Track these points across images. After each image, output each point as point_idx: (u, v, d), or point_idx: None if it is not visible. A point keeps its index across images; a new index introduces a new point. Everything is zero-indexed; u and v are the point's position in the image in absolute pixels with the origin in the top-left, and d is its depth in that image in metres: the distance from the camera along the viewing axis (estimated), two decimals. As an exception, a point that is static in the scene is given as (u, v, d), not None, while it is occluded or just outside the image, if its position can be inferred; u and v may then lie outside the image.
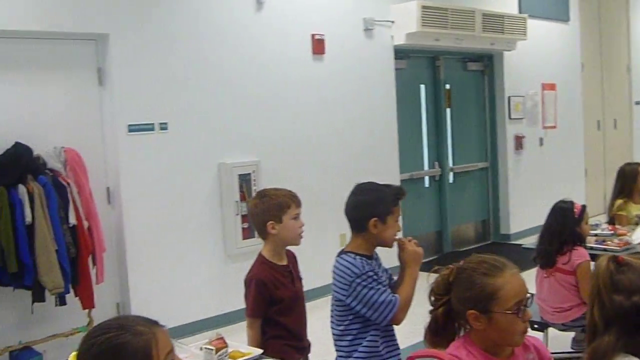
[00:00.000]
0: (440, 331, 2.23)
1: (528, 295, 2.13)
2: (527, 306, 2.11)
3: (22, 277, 4.60)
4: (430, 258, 7.88)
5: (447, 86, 8.32)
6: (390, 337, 3.01)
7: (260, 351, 2.80)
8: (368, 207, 2.91)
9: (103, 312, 5.24)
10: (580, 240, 4.21)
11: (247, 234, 5.87)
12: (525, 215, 8.79)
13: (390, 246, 3.01)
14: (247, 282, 3.13)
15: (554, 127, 9.51)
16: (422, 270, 2.98)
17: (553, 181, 9.17)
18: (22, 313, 4.99)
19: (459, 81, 8.55)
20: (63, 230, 4.72)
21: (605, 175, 10.13)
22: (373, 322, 2.89)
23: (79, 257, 4.84)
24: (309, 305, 3.34)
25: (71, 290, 4.85)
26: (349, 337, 2.94)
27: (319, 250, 6.36)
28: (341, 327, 2.96)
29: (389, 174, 7.17)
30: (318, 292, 6.26)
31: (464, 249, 8.54)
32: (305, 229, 3.28)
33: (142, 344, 1.63)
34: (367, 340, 2.92)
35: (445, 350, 2.16)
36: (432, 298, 2.26)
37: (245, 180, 5.93)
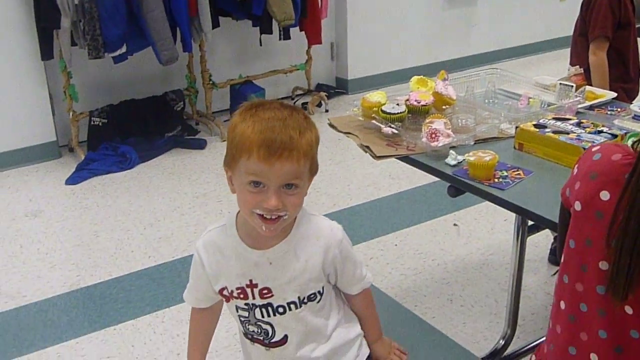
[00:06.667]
0: None
1: None
2: None
3: (251, 6, 4.23)
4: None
5: None
6: None
7: (613, 94, 2.32)
8: None
9: (316, 51, 4.92)
10: None
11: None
12: None
13: None
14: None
15: None
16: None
17: None
18: (242, 47, 4.75)
19: None
20: (294, -46, 4.26)
21: None
22: None
23: (308, -13, 4.43)
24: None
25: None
26: None
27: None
28: None
29: None
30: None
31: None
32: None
33: None
34: None
35: None
36: None
37: None
